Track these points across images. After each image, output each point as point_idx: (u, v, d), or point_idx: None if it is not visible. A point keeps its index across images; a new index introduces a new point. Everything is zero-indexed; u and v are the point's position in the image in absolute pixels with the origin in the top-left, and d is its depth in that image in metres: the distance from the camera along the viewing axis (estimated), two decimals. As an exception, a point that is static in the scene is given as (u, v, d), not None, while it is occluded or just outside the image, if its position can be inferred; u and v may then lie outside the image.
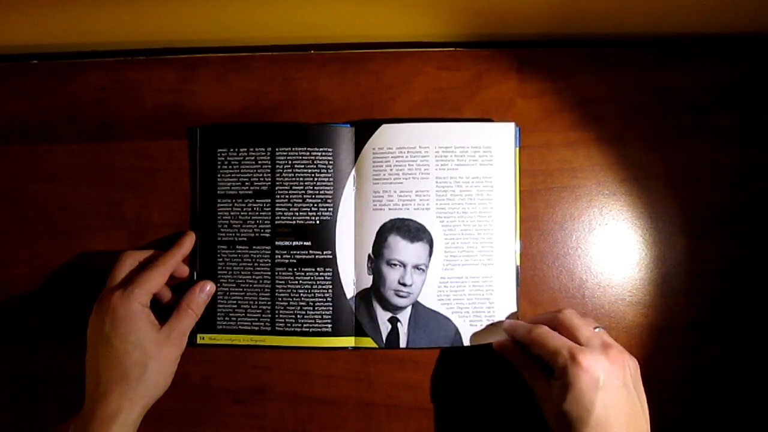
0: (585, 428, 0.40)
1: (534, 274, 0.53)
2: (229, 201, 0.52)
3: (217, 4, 0.49)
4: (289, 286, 0.52)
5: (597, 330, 0.45)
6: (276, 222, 0.52)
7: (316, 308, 0.51)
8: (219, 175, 0.52)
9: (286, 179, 0.52)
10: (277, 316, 0.52)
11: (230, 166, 0.52)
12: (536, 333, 0.45)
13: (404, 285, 0.51)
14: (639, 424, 0.42)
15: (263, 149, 0.52)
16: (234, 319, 0.52)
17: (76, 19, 0.51)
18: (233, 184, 0.52)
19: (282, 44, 0.55)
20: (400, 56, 0.54)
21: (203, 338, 0.52)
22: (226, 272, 0.52)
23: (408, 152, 0.51)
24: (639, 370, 0.43)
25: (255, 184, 0.52)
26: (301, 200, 0.52)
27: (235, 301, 0.52)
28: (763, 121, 0.53)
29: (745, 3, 0.49)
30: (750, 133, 0.53)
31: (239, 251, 0.52)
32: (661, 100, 0.53)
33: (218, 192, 0.52)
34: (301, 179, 0.52)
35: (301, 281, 0.51)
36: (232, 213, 0.52)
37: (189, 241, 0.51)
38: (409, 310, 0.51)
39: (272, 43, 0.55)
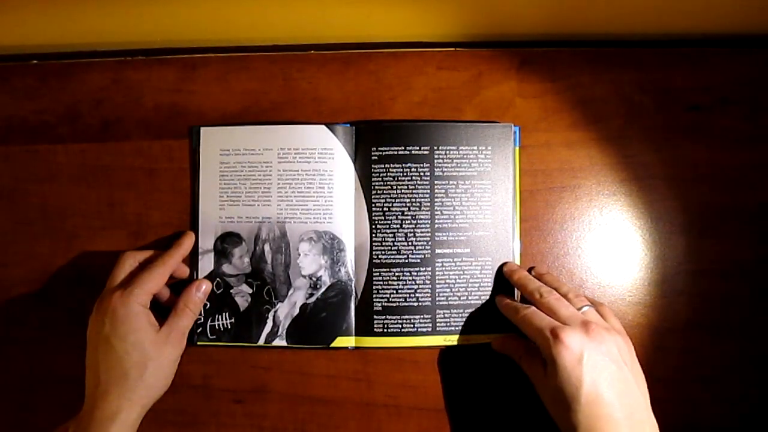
0: (577, 405, 0.40)
1: (534, 274, 0.53)
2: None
3: (217, 4, 0.49)
4: None
5: (585, 309, 0.45)
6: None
7: None
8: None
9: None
10: None
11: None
12: (522, 314, 0.45)
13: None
14: (634, 398, 0.41)
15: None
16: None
17: (76, 19, 0.51)
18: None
19: (282, 44, 0.55)
20: (400, 56, 0.54)
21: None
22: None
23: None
24: (630, 346, 0.44)
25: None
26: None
27: None
28: (763, 121, 0.53)
29: (745, 3, 0.49)
30: (750, 133, 0.53)
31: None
32: (661, 100, 0.53)
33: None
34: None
35: None
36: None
37: (189, 241, 0.51)
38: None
39: (272, 43, 0.55)
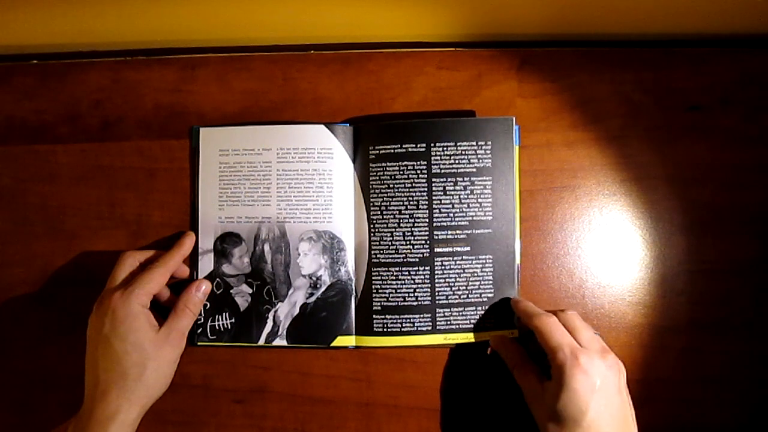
0: (577, 429, 0.40)
1: (534, 274, 0.53)
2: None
3: (217, 4, 0.49)
4: None
5: (595, 334, 0.45)
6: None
7: None
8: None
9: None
10: None
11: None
12: (544, 322, 0.45)
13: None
14: (628, 428, 0.42)
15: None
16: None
17: (76, 19, 0.51)
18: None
19: (282, 44, 0.55)
20: (400, 56, 0.54)
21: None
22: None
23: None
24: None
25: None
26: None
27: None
28: (763, 121, 0.53)
29: (745, 3, 0.49)
30: (750, 133, 0.53)
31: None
32: (661, 100, 0.53)
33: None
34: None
35: None
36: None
37: (189, 242, 0.51)
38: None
39: (272, 43, 0.55)
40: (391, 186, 0.51)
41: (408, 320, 0.51)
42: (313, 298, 0.51)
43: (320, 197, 0.51)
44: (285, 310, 0.52)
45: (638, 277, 0.53)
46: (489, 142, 0.50)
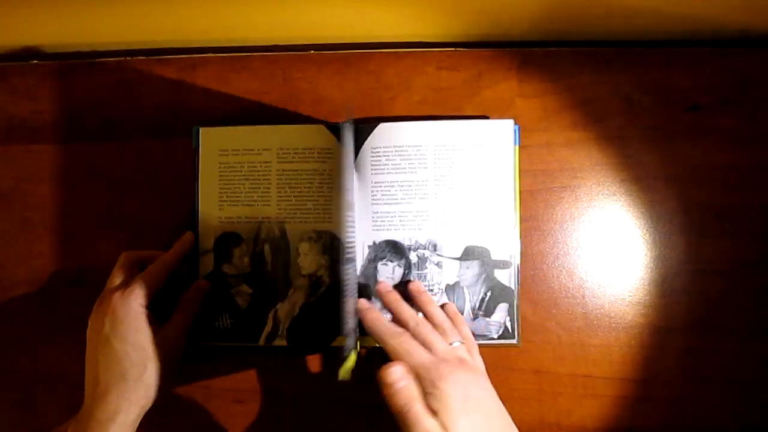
0: None
1: (534, 274, 0.53)
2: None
3: (217, 4, 0.49)
4: None
5: (455, 344, 0.44)
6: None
7: None
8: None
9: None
10: None
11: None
12: (398, 342, 0.43)
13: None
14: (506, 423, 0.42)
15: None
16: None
17: (76, 19, 0.51)
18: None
19: (282, 44, 0.55)
20: (400, 56, 0.54)
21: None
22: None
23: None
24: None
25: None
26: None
27: None
28: (763, 121, 0.53)
29: (746, 3, 0.49)
30: (750, 133, 0.53)
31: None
32: (661, 100, 0.53)
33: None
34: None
35: None
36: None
37: (189, 242, 0.51)
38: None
39: (272, 43, 0.55)
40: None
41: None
42: (313, 298, 0.51)
43: (320, 197, 0.51)
44: (285, 310, 0.52)
45: (638, 277, 0.53)
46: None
